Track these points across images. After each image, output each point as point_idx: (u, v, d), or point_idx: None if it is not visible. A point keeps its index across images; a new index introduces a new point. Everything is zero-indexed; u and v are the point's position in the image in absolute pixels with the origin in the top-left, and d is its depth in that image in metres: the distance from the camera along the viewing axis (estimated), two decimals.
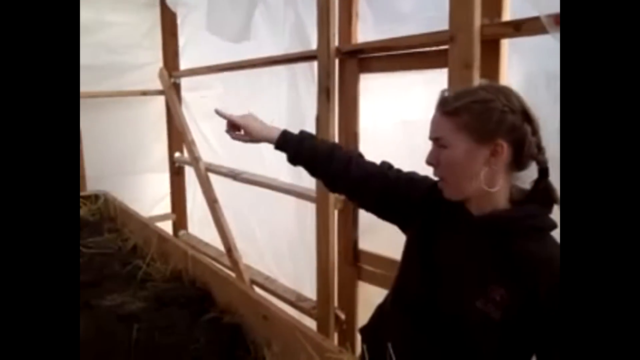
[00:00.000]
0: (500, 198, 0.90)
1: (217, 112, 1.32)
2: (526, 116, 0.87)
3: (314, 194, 1.87)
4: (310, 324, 1.86)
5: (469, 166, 0.88)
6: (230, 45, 2.25)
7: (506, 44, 1.32)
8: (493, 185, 0.87)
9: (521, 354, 0.88)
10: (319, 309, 1.84)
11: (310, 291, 1.99)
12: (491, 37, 1.30)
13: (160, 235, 1.91)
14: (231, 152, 2.59)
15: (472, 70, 1.30)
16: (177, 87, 2.96)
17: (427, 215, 0.99)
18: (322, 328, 1.81)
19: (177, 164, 3.06)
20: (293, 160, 1.20)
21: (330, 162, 1.13)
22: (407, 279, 1.01)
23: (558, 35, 1.13)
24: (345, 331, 1.77)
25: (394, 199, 1.06)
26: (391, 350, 0.84)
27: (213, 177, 2.60)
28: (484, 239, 0.89)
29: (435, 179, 0.97)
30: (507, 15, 1.31)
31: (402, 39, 1.54)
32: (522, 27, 1.23)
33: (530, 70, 1.38)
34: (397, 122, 1.65)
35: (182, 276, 1.68)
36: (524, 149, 0.86)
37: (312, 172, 1.22)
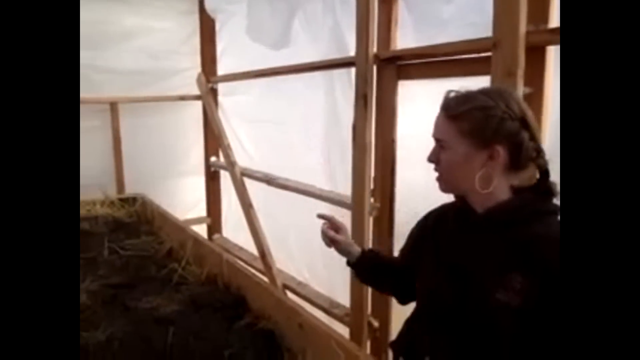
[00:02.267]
0: (501, 194, 0.94)
1: (320, 216, 1.35)
2: (524, 122, 0.91)
3: (349, 200, 1.86)
4: (343, 331, 1.85)
5: (466, 169, 0.93)
6: (266, 51, 2.28)
7: (552, 52, 1.28)
8: (487, 186, 0.92)
9: (546, 339, 0.88)
10: (352, 317, 1.82)
11: (343, 298, 1.97)
12: (536, 44, 1.26)
13: (196, 239, 1.95)
14: (266, 157, 2.61)
15: (516, 78, 1.26)
16: (214, 92, 3.01)
17: (433, 230, 1.07)
18: (355, 336, 1.79)
19: (212, 168, 3.11)
20: (362, 277, 1.30)
21: (389, 278, 1.24)
22: (433, 287, 1.03)
23: None
24: (379, 339, 1.75)
25: (413, 259, 1.13)
26: None
27: (248, 182, 2.63)
28: (493, 232, 0.93)
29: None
30: (554, 22, 1.27)
31: (442, 46, 1.51)
32: None
33: None
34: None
35: (217, 280, 1.70)
36: (521, 153, 0.91)
37: (376, 287, 1.37)
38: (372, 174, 1.78)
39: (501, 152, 0.90)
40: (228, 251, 2.92)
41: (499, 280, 0.89)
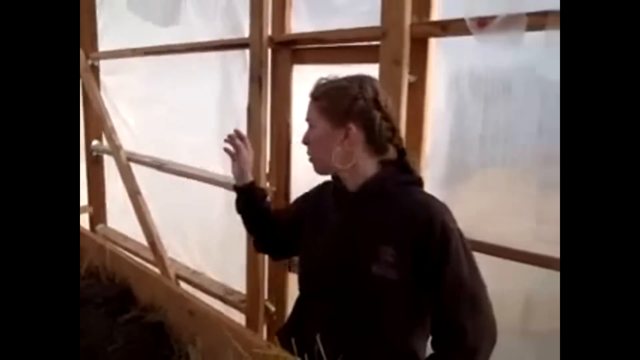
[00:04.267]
0: (369, 172, 1.01)
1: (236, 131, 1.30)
2: (376, 103, 0.99)
3: None
4: (240, 318, 1.83)
5: (327, 146, 1.01)
6: (155, 28, 2.13)
7: (434, 43, 1.37)
8: (346, 163, 1.00)
9: (426, 305, 0.97)
10: (248, 302, 1.81)
11: (239, 284, 1.95)
12: (420, 35, 1.34)
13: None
14: (156, 140, 2.45)
15: (402, 67, 1.33)
16: (95, 70, 2.75)
17: (315, 206, 1.13)
18: (252, 321, 1.79)
19: (94, 153, 2.85)
20: (244, 207, 1.28)
21: (269, 225, 1.27)
22: (314, 267, 1.09)
23: (481, 37, 1.19)
24: (275, 323, 1.76)
25: (300, 220, 1.17)
26: (319, 341, 0.88)
27: (136, 168, 2.45)
28: (363, 206, 1.00)
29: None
30: (436, 15, 1.36)
31: (335, 32, 1.54)
32: (449, 28, 1.27)
33: (457, 70, 1.44)
34: None
35: (99, 273, 1.57)
36: (375, 131, 0.99)
37: (252, 228, 1.31)
38: (268, 158, 1.77)
39: (354, 130, 0.98)
40: (113, 242, 2.71)
41: (373, 254, 0.94)
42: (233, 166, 1.24)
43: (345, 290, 0.99)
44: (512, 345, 1.28)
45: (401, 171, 1.01)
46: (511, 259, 1.20)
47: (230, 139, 1.23)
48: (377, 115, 0.99)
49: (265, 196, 1.30)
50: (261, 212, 1.26)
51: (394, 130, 1.02)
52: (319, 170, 1.07)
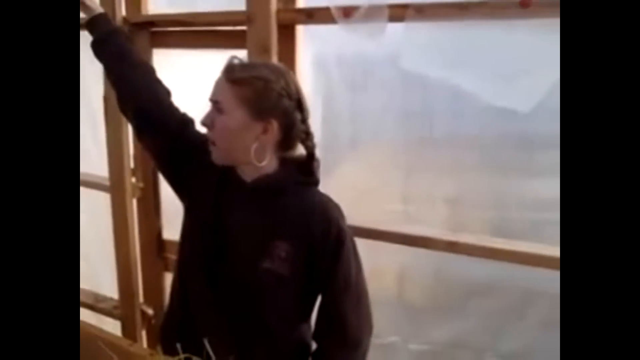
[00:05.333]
0: (269, 167, 0.98)
1: None
2: (299, 104, 0.97)
3: (106, 182, 1.66)
4: (114, 326, 1.69)
5: (241, 138, 0.94)
6: None
7: (301, 30, 1.36)
8: (261, 159, 0.96)
9: (313, 298, 1.01)
10: (122, 308, 1.67)
11: (110, 290, 1.79)
12: (286, 22, 1.32)
13: None
14: None
15: (270, 54, 1.30)
16: None
17: (216, 184, 1.02)
18: (128, 328, 1.66)
19: None
20: (99, 44, 1.11)
21: (141, 70, 1.10)
22: (197, 250, 1.02)
23: (346, 26, 1.22)
24: (154, 327, 1.66)
25: (188, 153, 1.05)
26: (207, 344, 0.84)
27: None
28: (259, 201, 0.97)
29: None
30: (302, 2, 1.35)
31: (198, 15, 1.44)
32: (315, 15, 1.28)
33: (324, 56, 1.46)
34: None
35: None
36: (292, 132, 0.97)
37: (114, 69, 1.12)
38: (132, 152, 1.63)
39: (275, 127, 0.94)
40: None
41: (265, 249, 0.94)
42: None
43: (234, 285, 0.97)
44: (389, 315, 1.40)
45: (302, 171, 1.00)
46: (383, 240, 1.27)
47: None
48: (299, 116, 0.96)
49: (127, 36, 1.20)
50: (129, 54, 1.12)
51: (308, 133, 1.00)
52: (220, 159, 0.98)
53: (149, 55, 1.57)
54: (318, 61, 1.46)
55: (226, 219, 0.98)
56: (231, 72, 0.94)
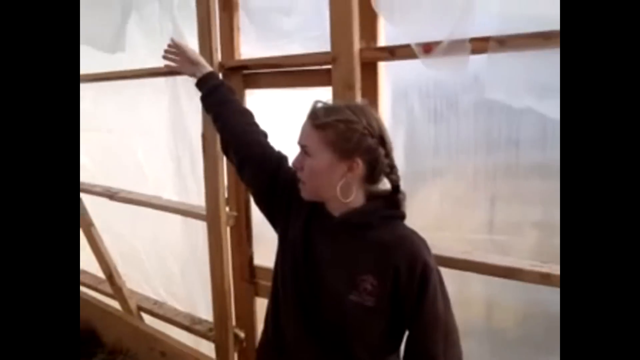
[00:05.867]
0: (356, 201, 1.03)
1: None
2: (382, 140, 1.00)
3: (203, 212, 1.81)
4: (209, 347, 1.81)
5: (328, 177, 0.99)
6: (100, 52, 2.07)
7: (383, 66, 1.43)
8: (347, 195, 1.00)
9: (400, 333, 1.02)
10: (217, 331, 1.79)
11: (205, 312, 1.92)
12: (369, 60, 1.39)
13: None
14: (106, 169, 2.38)
15: (354, 91, 1.38)
16: None
17: (306, 218, 1.07)
18: (222, 350, 1.77)
19: None
20: (208, 96, 1.29)
21: (241, 116, 1.24)
22: (289, 281, 1.06)
23: (427, 61, 1.26)
24: (246, 350, 1.75)
25: (283, 190, 1.12)
26: None
27: (86, 198, 2.36)
28: (346, 234, 1.01)
29: None
30: (382, 40, 1.41)
31: (286, 58, 1.57)
32: (396, 53, 1.33)
33: (405, 87, 1.51)
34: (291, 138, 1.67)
35: None
36: (377, 168, 1.00)
37: (219, 117, 1.26)
38: (226, 183, 1.77)
39: (360, 164, 0.98)
40: None
41: (352, 283, 0.97)
42: (182, 66, 1.33)
43: (323, 316, 1.01)
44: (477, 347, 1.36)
45: (388, 205, 1.03)
46: (472, 270, 1.26)
47: (168, 51, 1.34)
48: (382, 152, 1.00)
49: (230, 87, 1.32)
50: (232, 103, 1.27)
51: (392, 166, 1.03)
52: (309, 196, 1.04)
53: (242, 96, 1.72)
54: (399, 93, 1.50)
55: (315, 252, 1.03)
56: (315, 118, 1.00)
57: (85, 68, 2.22)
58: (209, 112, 1.30)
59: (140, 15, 1.96)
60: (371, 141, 0.99)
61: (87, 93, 2.38)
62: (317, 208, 1.06)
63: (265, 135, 1.23)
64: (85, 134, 2.50)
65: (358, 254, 0.99)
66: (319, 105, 1.03)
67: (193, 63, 1.31)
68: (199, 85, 1.30)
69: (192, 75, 1.33)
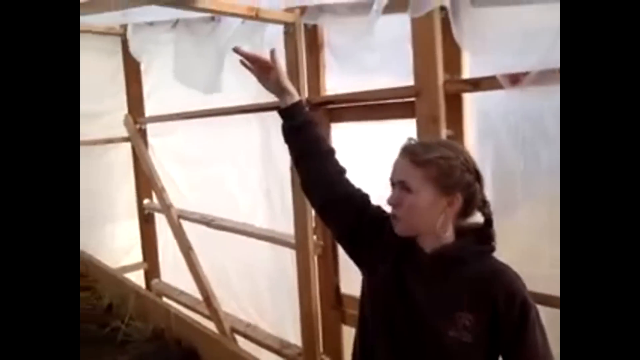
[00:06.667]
0: (449, 236, 1.03)
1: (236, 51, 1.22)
2: (477, 175, 1.02)
3: (292, 240, 1.90)
4: None
5: (428, 213, 1.00)
6: (196, 91, 2.28)
7: (468, 97, 1.43)
8: (445, 230, 1.01)
9: None
10: (305, 356, 1.85)
11: (293, 337, 1.99)
12: (453, 92, 1.40)
13: (138, 293, 1.89)
14: (203, 198, 2.58)
15: (439, 123, 1.39)
16: (143, 133, 2.94)
17: (396, 253, 1.07)
18: None
19: (146, 211, 3.01)
20: (291, 131, 1.18)
21: (325, 158, 1.17)
22: (382, 317, 1.06)
23: (514, 92, 1.25)
24: None
25: (369, 229, 1.12)
26: None
27: (186, 224, 2.58)
28: (440, 270, 1.01)
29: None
30: (467, 72, 1.42)
31: (369, 93, 1.62)
32: (481, 84, 1.33)
33: (490, 118, 1.48)
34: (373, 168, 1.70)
35: (164, 335, 1.66)
36: (472, 202, 1.02)
37: (302, 157, 1.19)
38: (314, 213, 1.84)
39: (459, 200, 1.00)
40: (169, 297, 2.83)
41: (450, 320, 0.97)
42: (265, 80, 1.19)
43: (420, 352, 1.01)
44: None
45: (480, 240, 1.03)
46: None
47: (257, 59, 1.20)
48: (478, 187, 1.02)
49: (317, 123, 1.23)
50: (316, 143, 1.17)
51: (485, 201, 1.05)
52: (405, 232, 1.04)
53: (328, 129, 1.79)
54: (485, 124, 1.48)
55: (409, 289, 1.03)
56: (415, 155, 1.01)
57: (184, 105, 2.47)
58: (289, 145, 1.22)
59: (233, 56, 2.12)
60: (469, 177, 1.00)
61: (186, 127, 2.62)
62: (407, 244, 1.06)
63: (345, 172, 1.21)
64: (184, 165, 2.76)
65: (453, 290, 0.99)
66: (412, 142, 1.05)
67: (280, 86, 1.18)
68: (284, 113, 1.20)
69: (274, 93, 1.22)
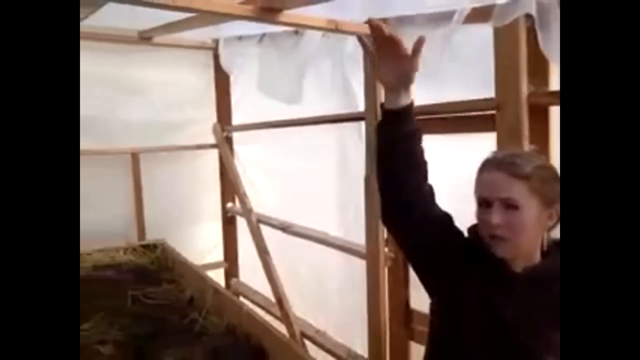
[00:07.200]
0: (536, 253, 0.97)
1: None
2: None
3: (363, 250, 1.90)
4: None
5: (535, 229, 0.94)
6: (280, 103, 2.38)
7: (555, 111, 1.34)
8: (538, 246, 0.96)
9: None
10: None
11: (360, 346, 1.99)
12: (538, 105, 1.33)
13: (216, 289, 2.00)
14: (281, 204, 2.68)
15: (521, 137, 1.32)
16: (229, 141, 3.12)
17: (480, 273, 1.00)
18: None
19: (229, 214, 3.18)
20: (401, 137, 1.02)
21: (425, 174, 1.05)
22: (471, 338, 0.98)
23: None
24: None
25: (454, 246, 1.04)
26: None
27: (264, 228, 2.69)
28: (531, 291, 0.94)
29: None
30: (554, 83, 1.34)
31: (447, 105, 1.58)
32: None
33: None
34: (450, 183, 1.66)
35: (236, 331, 1.74)
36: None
37: (405, 167, 1.03)
38: None
39: (557, 212, 0.94)
40: (245, 296, 2.95)
41: (546, 341, 0.91)
42: (389, 72, 1.00)
43: None
44: None
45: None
46: None
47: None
48: None
49: (421, 136, 1.05)
50: (417, 153, 1.03)
51: None
52: (510, 253, 0.95)
53: None
54: None
55: (500, 312, 0.96)
56: (515, 167, 0.93)
57: (268, 116, 2.59)
58: (387, 151, 1.04)
59: (315, 68, 2.20)
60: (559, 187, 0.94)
61: (268, 135, 2.74)
62: (492, 263, 0.98)
63: (433, 194, 1.09)
64: (265, 172, 2.89)
65: (547, 309, 0.91)
66: (499, 155, 0.99)
67: (406, 81, 1.02)
68: (395, 115, 1.03)
69: (389, 88, 1.03)
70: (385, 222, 1.13)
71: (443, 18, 1.48)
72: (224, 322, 1.82)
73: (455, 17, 1.41)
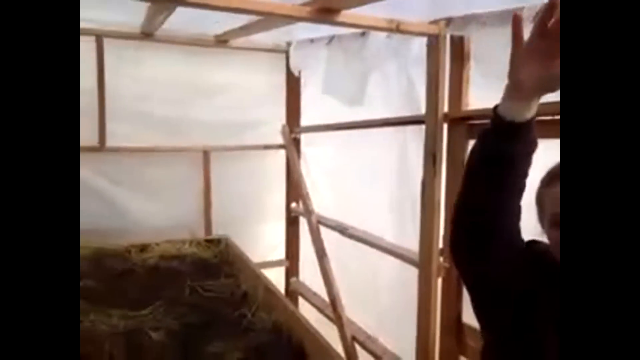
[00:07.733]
0: None
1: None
2: None
3: (416, 257, 1.83)
4: None
5: None
6: (345, 106, 2.38)
7: None
8: None
9: None
10: None
11: (410, 356, 1.91)
12: None
13: (267, 287, 2.04)
14: (341, 206, 2.67)
15: None
16: (297, 142, 3.17)
17: (548, 291, 0.86)
18: None
19: (292, 214, 3.23)
20: (515, 157, 0.84)
21: (517, 197, 0.87)
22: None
23: None
24: None
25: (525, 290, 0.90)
26: None
27: (323, 230, 2.69)
28: None
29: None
30: None
31: None
32: None
33: None
34: None
35: (281, 329, 1.76)
36: None
37: (507, 189, 0.86)
38: (442, 233, 1.75)
39: None
40: (303, 295, 2.98)
41: None
42: (529, 71, 0.78)
43: None
44: None
45: None
46: None
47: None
48: None
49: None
50: (526, 175, 0.85)
51: None
52: None
53: (465, 146, 1.69)
54: None
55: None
56: None
57: (335, 118, 2.59)
58: (503, 172, 0.85)
59: (380, 72, 2.17)
60: None
61: (333, 138, 2.74)
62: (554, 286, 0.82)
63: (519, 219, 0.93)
64: (328, 175, 2.89)
65: None
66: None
67: (546, 86, 0.80)
68: (515, 130, 0.83)
69: (523, 95, 0.82)
70: (459, 253, 0.96)
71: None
72: (271, 320, 1.85)
73: (525, 13, 1.32)
